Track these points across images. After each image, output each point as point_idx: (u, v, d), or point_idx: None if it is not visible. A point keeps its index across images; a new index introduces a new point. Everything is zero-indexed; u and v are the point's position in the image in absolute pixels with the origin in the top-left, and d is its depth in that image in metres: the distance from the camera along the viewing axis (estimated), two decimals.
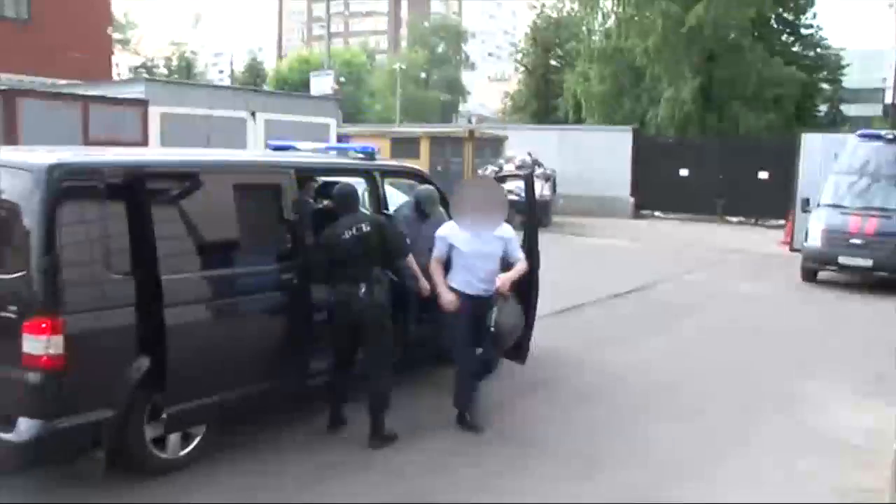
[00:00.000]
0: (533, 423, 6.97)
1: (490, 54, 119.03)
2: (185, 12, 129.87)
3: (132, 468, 5.45)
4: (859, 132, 16.38)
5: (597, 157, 27.80)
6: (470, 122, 59.48)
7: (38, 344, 4.82)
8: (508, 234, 6.73)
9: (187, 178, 5.72)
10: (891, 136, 15.14)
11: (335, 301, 6.20)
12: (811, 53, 37.29)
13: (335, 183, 6.77)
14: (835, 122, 36.62)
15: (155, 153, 7.11)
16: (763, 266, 17.05)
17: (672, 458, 6.22)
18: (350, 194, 6.40)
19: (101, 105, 15.47)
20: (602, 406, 7.48)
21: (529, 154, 23.70)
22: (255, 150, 14.87)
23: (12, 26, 28.10)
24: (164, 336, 5.18)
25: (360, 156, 7.53)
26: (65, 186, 4.95)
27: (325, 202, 7.05)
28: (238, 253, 5.89)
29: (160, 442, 5.53)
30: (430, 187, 7.60)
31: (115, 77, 36.78)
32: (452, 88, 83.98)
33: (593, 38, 36.76)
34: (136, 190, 5.24)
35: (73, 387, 4.93)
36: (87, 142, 13.85)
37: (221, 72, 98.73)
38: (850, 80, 41.55)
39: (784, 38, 37.34)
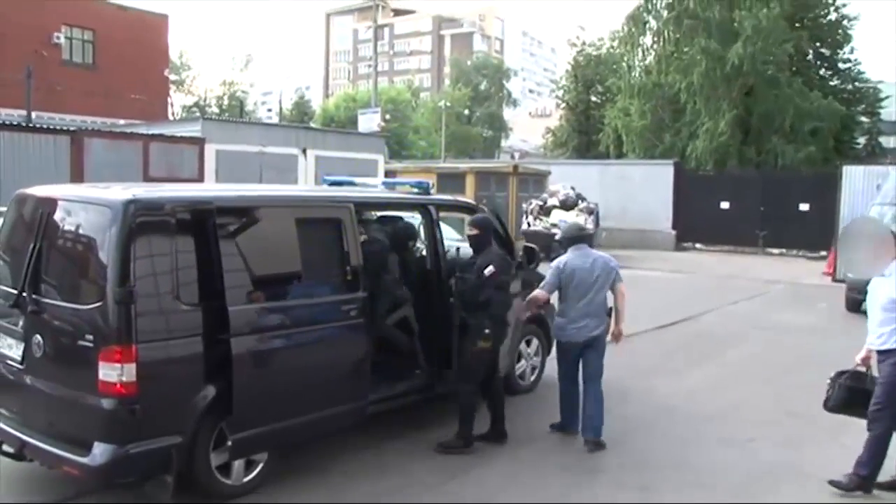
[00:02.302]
0: (584, 452, 7.06)
1: (531, 91, 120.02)
2: (237, 53, 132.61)
3: (198, 493, 5.63)
4: None
5: (638, 190, 27.98)
6: (513, 157, 59.74)
7: (113, 372, 5.05)
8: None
9: (253, 213, 5.99)
10: None
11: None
12: (849, 87, 37.03)
13: (393, 217, 7.03)
14: (873, 154, 36.22)
15: (221, 189, 7.37)
16: (806, 296, 16.99)
17: (726, 485, 6.32)
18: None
19: (160, 143, 16.09)
20: (651, 436, 7.59)
21: (572, 188, 23.86)
22: (314, 186, 15.22)
23: (78, 72, 29.18)
24: (230, 365, 5.40)
25: (416, 191, 7.77)
26: (140, 221, 5.22)
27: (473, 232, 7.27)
28: (300, 285, 6.11)
29: (225, 468, 5.72)
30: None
31: (170, 116, 37.80)
32: (494, 125, 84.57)
33: (633, 74, 36.91)
34: (204, 224, 5.49)
35: (145, 413, 5.14)
36: (147, 178, 14.40)
37: (270, 110, 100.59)
38: (889, 112, 41.14)
39: (822, 72, 37.22)
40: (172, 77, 49.79)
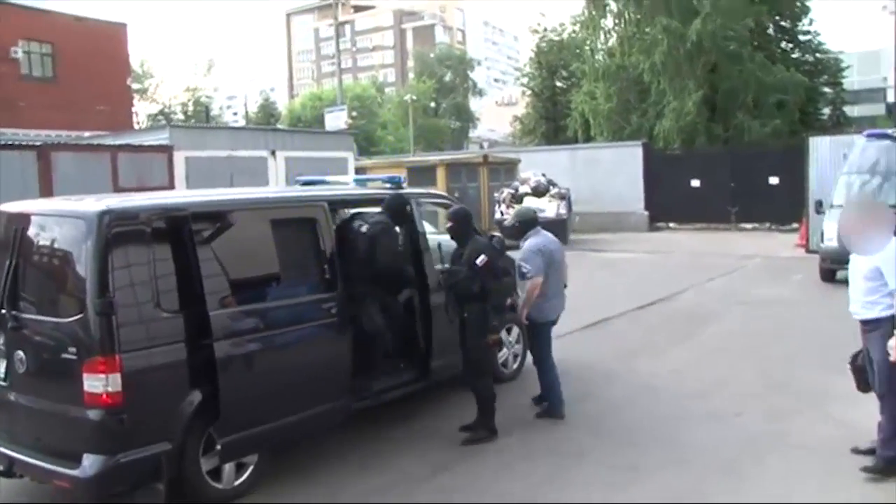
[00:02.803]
0: (571, 434, 7.15)
1: (496, 80, 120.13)
2: (199, 58, 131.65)
3: (190, 499, 5.63)
4: (867, 132, 16.53)
5: (609, 173, 28.12)
6: (482, 147, 59.82)
7: (98, 383, 5.07)
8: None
9: (227, 217, 5.99)
10: None
11: None
12: (811, 58, 37.45)
13: (365, 214, 7.04)
14: (839, 124, 36.66)
15: (195, 195, 7.35)
16: (781, 269, 17.19)
17: (713, 460, 6.38)
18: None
19: (128, 153, 16.00)
20: (637, 414, 7.66)
21: (543, 175, 23.93)
22: (287, 187, 15.19)
23: (39, 86, 28.85)
24: (215, 369, 5.41)
25: (388, 186, 7.78)
26: (115, 231, 5.22)
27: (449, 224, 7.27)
28: (279, 286, 6.14)
29: (216, 472, 5.73)
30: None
31: (136, 126, 37.51)
32: (461, 116, 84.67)
33: (597, 57, 37.08)
34: (180, 230, 5.51)
35: (132, 422, 5.15)
36: (118, 189, 14.30)
37: (236, 114, 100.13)
38: (851, 81, 41.67)
39: (783, 45, 37.58)
40: (135, 86, 49.29)
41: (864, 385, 6.11)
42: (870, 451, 6.02)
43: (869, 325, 5.87)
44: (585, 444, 6.90)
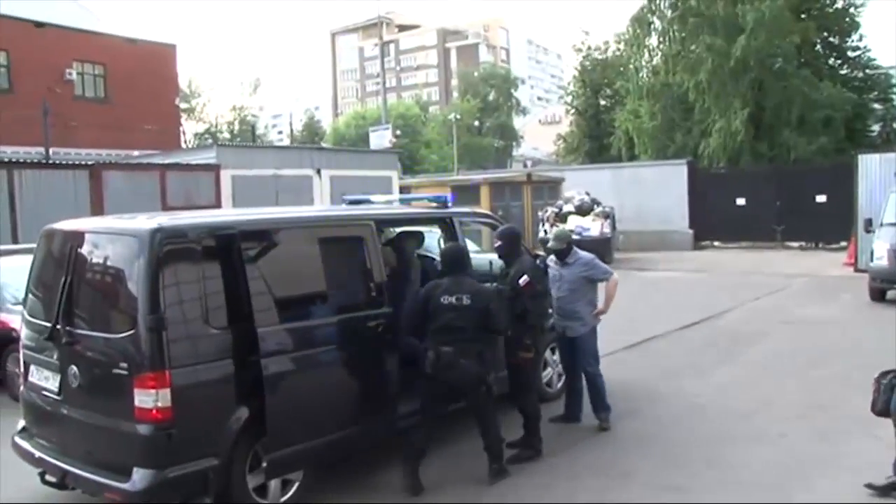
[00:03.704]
0: (616, 454, 7.12)
1: (539, 98, 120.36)
2: (245, 77, 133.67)
3: None
4: None
5: (653, 191, 27.97)
6: (525, 165, 59.81)
7: (148, 398, 5.15)
8: None
9: (275, 235, 6.09)
10: None
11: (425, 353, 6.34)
12: (860, 74, 36.88)
13: (413, 233, 7.10)
14: (888, 141, 35.99)
15: (243, 213, 7.47)
16: (829, 288, 16.93)
17: (760, 482, 6.31)
18: (457, 256, 6.67)
19: (176, 172, 16.33)
20: (682, 434, 7.60)
21: (587, 193, 23.89)
22: (334, 205, 15.37)
23: (91, 106, 29.58)
24: (262, 386, 5.48)
25: (434, 205, 7.84)
26: (167, 249, 5.32)
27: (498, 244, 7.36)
28: (326, 303, 6.20)
29: (262, 489, 5.77)
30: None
31: (183, 144, 38.19)
32: (505, 134, 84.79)
33: (641, 75, 36.98)
34: (229, 248, 5.60)
35: (181, 437, 5.23)
36: (166, 207, 14.58)
37: (281, 132, 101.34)
38: None
39: (831, 61, 37.12)
40: (183, 105, 50.25)
41: (879, 407, 5.98)
42: (889, 488, 5.83)
43: None
44: (631, 464, 6.86)
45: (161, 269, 5.26)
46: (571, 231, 8.97)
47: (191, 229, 5.69)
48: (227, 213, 8.61)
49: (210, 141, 55.35)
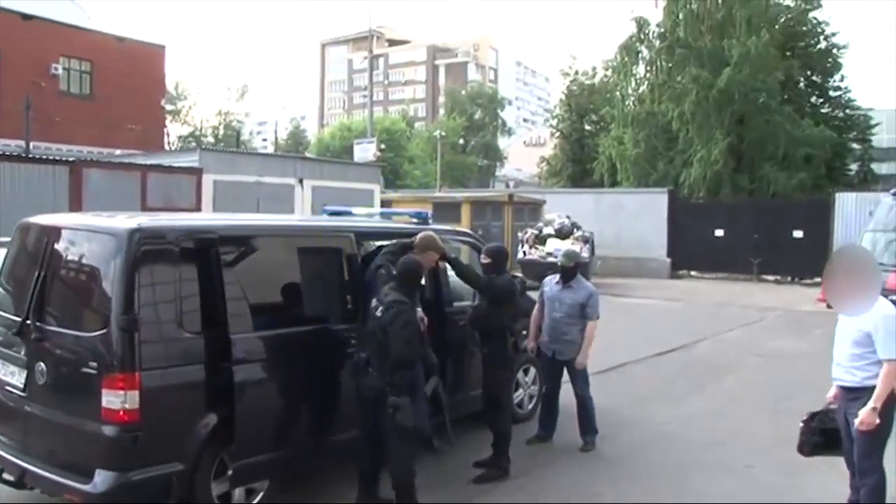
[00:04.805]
0: (584, 477, 7.13)
1: (525, 120, 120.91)
2: (233, 83, 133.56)
3: None
4: (893, 191, 16.52)
5: (633, 218, 28.14)
6: (508, 186, 59.98)
7: (116, 399, 5.08)
8: None
9: (255, 242, 6.07)
10: None
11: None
12: (840, 114, 37.53)
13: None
14: (866, 181, 36.60)
15: (224, 218, 7.43)
16: (802, 323, 17.06)
17: None
18: (402, 267, 6.18)
19: (158, 173, 16.24)
20: (650, 461, 7.63)
21: (567, 217, 23.96)
22: (316, 216, 15.41)
23: (76, 102, 29.43)
24: (233, 392, 5.43)
25: (414, 220, 7.84)
26: (144, 250, 5.28)
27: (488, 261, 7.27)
28: (301, 313, 6.16)
29: (226, 497, 5.72)
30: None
31: (166, 146, 38.03)
32: (489, 154, 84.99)
33: (626, 103, 37.31)
34: (207, 252, 5.57)
35: (147, 440, 5.16)
36: (145, 208, 14.49)
37: (265, 140, 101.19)
38: (880, 138, 41.61)
39: (813, 99, 37.73)
40: (169, 107, 50.08)
41: (808, 448, 5.99)
42: None
43: (851, 393, 5.58)
44: (597, 488, 6.87)
45: (137, 270, 5.21)
46: (550, 253, 9.02)
47: (170, 231, 5.65)
48: (207, 217, 8.58)
49: (194, 144, 55.14)
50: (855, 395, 5.54)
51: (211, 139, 69.20)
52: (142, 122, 30.76)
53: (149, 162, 18.20)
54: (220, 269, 5.54)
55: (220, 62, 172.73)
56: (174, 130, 64.24)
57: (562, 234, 22.96)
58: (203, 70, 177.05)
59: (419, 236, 6.66)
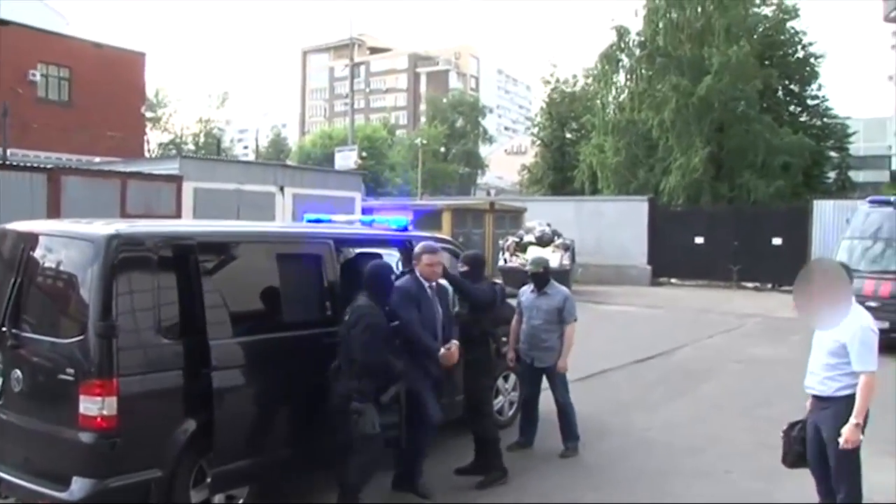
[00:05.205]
0: (564, 484, 7.15)
1: (507, 128, 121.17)
2: (214, 90, 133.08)
3: None
4: (869, 199, 16.71)
5: (614, 226, 28.26)
6: (489, 194, 60.07)
7: (94, 405, 5.06)
8: None
9: (234, 248, 6.06)
10: None
11: None
12: (818, 122, 37.88)
13: (370, 254, 7.10)
14: (843, 189, 36.96)
15: (203, 224, 7.42)
16: (781, 330, 17.17)
17: None
18: (370, 273, 6.26)
19: (137, 181, 16.15)
20: (630, 468, 7.66)
21: (548, 225, 24.05)
22: (296, 223, 15.41)
23: (54, 109, 29.22)
24: (212, 398, 5.41)
25: (394, 227, 7.84)
26: (122, 256, 5.26)
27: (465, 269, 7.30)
28: (281, 319, 6.15)
29: None
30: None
31: (146, 154, 37.85)
32: (470, 162, 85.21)
33: (607, 111, 37.48)
34: (186, 259, 5.55)
35: (125, 447, 5.13)
36: (125, 215, 14.40)
37: (246, 147, 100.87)
38: (857, 147, 42.06)
39: (792, 108, 38.08)
40: (149, 114, 49.86)
41: (791, 458, 5.97)
42: None
43: (823, 403, 5.58)
44: (578, 494, 6.89)
45: (115, 276, 5.19)
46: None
47: (148, 237, 5.63)
48: (186, 224, 8.55)
49: (174, 152, 54.91)
50: (826, 404, 5.55)
51: (191, 147, 68.93)
52: (121, 130, 30.57)
53: (128, 169, 18.13)
54: (198, 276, 5.52)
55: (201, 69, 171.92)
56: (154, 138, 64.07)
57: (542, 241, 23.03)
58: (184, 77, 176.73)
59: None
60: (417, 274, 6.69)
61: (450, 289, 7.04)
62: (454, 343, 6.62)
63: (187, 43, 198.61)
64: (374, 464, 6.02)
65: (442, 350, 6.50)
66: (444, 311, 6.77)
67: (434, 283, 6.71)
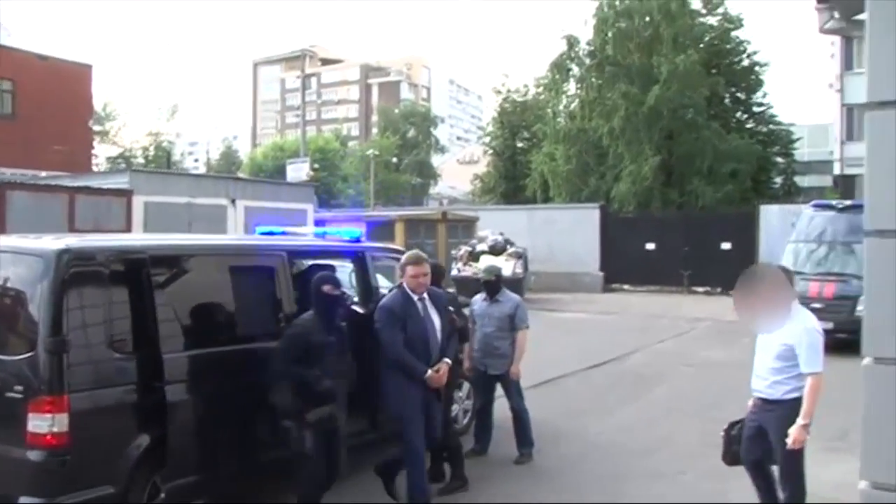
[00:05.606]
0: (520, 489, 7.22)
1: (459, 138, 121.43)
2: (163, 103, 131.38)
3: None
4: (813, 203, 17.10)
5: (566, 234, 28.49)
6: (442, 204, 60.17)
7: (43, 423, 5.00)
8: None
9: (186, 262, 6.04)
10: (842, 206, 15.80)
11: None
12: (764, 129, 38.66)
13: (323, 266, 7.11)
14: (790, 193, 37.74)
15: (154, 238, 7.39)
16: (731, 333, 17.41)
17: None
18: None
19: (86, 195, 15.93)
20: (586, 473, 7.76)
21: (501, 234, 24.18)
22: (248, 235, 15.33)
23: None
24: (165, 413, 5.38)
25: (347, 239, 7.87)
26: (73, 271, 5.22)
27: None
28: (234, 332, 6.15)
29: None
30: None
31: (94, 168, 37.26)
32: (423, 172, 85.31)
33: (558, 119, 37.87)
34: (138, 273, 5.52)
35: (76, 465, 5.08)
36: (73, 230, 14.19)
37: (197, 160, 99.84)
38: (802, 153, 42.91)
39: (738, 115, 38.83)
40: (96, 128, 49.10)
41: (730, 457, 6.07)
42: None
43: (770, 405, 5.68)
44: (534, 499, 6.98)
45: (66, 292, 5.15)
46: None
47: (99, 252, 5.60)
48: (138, 238, 8.48)
49: (123, 165, 54.14)
50: (773, 407, 5.66)
51: (141, 160, 67.95)
52: (68, 143, 30.06)
53: (76, 184, 17.87)
54: (151, 290, 5.50)
55: (150, 82, 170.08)
56: (103, 151, 63.05)
57: (495, 250, 23.14)
58: (132, 90, 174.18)
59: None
60: (405, 287, 6.45)
61: (444, 296, 6.91)
62: (444, 363, 6.35)
63: (135, 55, 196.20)
64: (314, 479, 5.98)
65: (429, 372, 6.24)
66: (441, 323, 6.47)
67: (425, 295, 6.42)
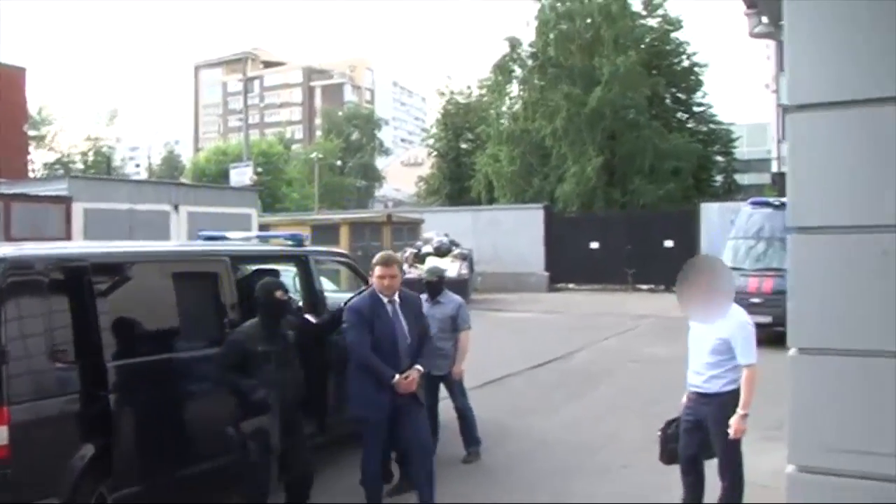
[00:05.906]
0: (468, 492, 7.26)
1: (403, 140, 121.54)
2: (101, 107, 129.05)
3: None
4: (751, 200, 17.48)
5: (510, 234, 28.71)
6: (386, 206, 60.14)
7: None
8: None
9: (128, 269, 5.99)
10: (778, 203, 16.16)
11: None
12: (704, 128, 39.48)
13: (266, 270, 7.09)
14: (730, 191, 38.63)
15: (95, 245, 7.29)
16: (674, 329, 17.60)
17: None
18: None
19: (23, 203, 15.60)
20: (533, 470, 7.85)
21: (446, 235, 24.29)
22: (190, 241, 15.13)
23: None
24: (109, 422, 5.34)
25: (290, 243, 7.87)
26: (11, 281, 5.12)
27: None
28: (178, 339, 6.12)
29: None
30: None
31: (31, 174, 36.47)
32: (367, 174, 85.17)
33: (501, 121, 38.18)
34: (79, 281, 5.45)
35: (18, 477, 4.98)
36: (10, 238, 13.89)
37: (138, 165, 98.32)
38: (742, 151, 43.97)
39: (679, 115, 39.56)
40: (32, 133, 48.02)
41: (667, 456, 6.20)
42: None
43: (706, 399, 5.79)
44: (482, 498, 7.05)
45: (4, 302, 5.05)
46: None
47: (38, 260, 5.52)
48: (78, 245, 8.36)
49: (61, 172, 53.13)
50: (710, 400, 5.79)
51: (80, 166, 66.73)
52: (2, 149, 29.37)
53: (12, 191, 17.48)
54: (92, 298, 5.44)
55: (88, 85, 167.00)
56: (39, 157, 61.79)
57: (440, 252, 23.24)
58: (69, 94, 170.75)
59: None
60: (375, 288, 6.32)
61: (419, 301, 6.77)
62: (415, 370, 6.17)
63: (72, 57, 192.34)
64: (257, 485, 5.92)
65: (397, 377, 6.05)
66: (414, 326, 6.31)
67: (396, 298, 6.26)
